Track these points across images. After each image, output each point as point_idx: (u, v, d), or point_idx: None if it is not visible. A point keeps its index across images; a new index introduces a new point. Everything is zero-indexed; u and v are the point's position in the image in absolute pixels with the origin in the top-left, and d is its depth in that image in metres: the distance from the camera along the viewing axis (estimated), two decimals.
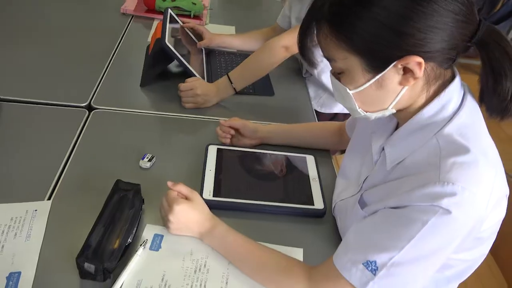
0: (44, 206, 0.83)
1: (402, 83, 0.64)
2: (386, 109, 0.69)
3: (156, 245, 0.80)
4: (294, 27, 1.21)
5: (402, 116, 0.71)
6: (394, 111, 0.69)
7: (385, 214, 0.67)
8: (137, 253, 0.76)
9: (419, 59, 0.60)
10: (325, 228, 0.89)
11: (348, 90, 0.67)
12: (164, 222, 0.81)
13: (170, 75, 1.34)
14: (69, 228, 0.80)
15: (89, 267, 0.70)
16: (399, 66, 0.61)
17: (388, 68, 0.62)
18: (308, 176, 0.97)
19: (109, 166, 0.96)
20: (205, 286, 0.74)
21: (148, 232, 0.81)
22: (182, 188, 0.82)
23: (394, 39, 0.59)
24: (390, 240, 0.63)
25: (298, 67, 1.49)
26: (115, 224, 0.77)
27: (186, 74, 1.24)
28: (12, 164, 0.92)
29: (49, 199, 0.85)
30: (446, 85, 0.66)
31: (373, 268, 0.63)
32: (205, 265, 0.77)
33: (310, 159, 1.02)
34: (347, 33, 0.62)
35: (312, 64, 0.74)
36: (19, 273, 0.71)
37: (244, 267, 0.77)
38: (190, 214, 0.79)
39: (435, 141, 0.64)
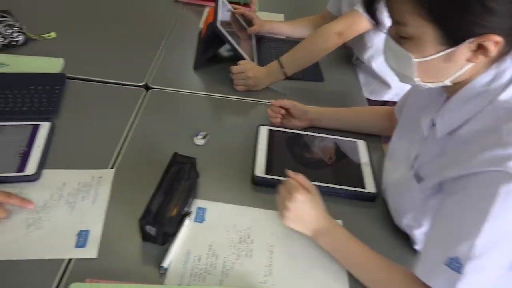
0: (108, 174, 0.89)
1: (470, 59, 0.63)
2: (443, 81, 0.68)
3: (200, 217, 0.83)
4: (347, 13, 1.21)
5: (452, 89, 0.70)
6: (449, 83, 0.68)
7: (449, 202, 0.65)
8: (184, 223, 0.80)
9: (498, 38, 0.58)
10: (375, 211, 0.90)
11: (413, 58, 0.66)
12: (281, 210, 0.78)
13: (221, 59, 1.38)
14: (130, 195, 0.86)
15: (151, 229, 0.75)
16: (475, 42, 0.60)
17: (463, 44, 0.61)
18: (360, 160, 0.98)
19: (165, 141, 1.01)
20: (251, 255, 0.77)
21: (192, 205, 0.85)
22: (302, 179, 0.80)
23: (480, 14, 0.57)
24: (463, 227, 0.59)
25: (348, 54, 1.49)
26: (173, 193, 0.81)
27: (236, 58, 1.27)
28: (80, 135, 0.99)
29: (112, 167, 0.92)
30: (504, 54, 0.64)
31: (456, 266, 0.58)
32: (249, 236, 0.81)
33: (361, 144, 1.03)
34: (430, 1, 0.59)
35: (379, 24, 0.70)
36: (88, 231, 0.77)
37: (360, 275, 0.73)
38: (309, 207, 0.77)
39: (492, 108, 0.63)
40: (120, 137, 1.00)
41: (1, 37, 1.23)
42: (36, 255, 0.72)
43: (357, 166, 0.97)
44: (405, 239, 0.84)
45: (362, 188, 0.91)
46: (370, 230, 0.86)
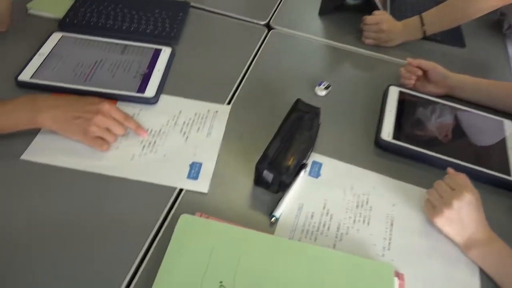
0: (224, 109, 0.85)
1: None
2: None
3: (315, 172, 0.77)
4: None
5: None
6: None
7: None
8: (299, 175, 0.74)
9: None
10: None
11: None
12: (439, 205, 0.68)
13: (348, 7, 1.25)
14: (244, 135, 0.81)
15: (268, 175, 0.69)
16: None
17: None
18: (505, 142, 0.84)
19: (284, 85, 0.94)
20: (368, 223, 0.69)
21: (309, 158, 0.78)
22: (466, 180, 0.69)
23: None
24: None
25: (497, 20, 1.28)
26: (292, 141, 0.74)
27: (365, 8, 1.13)
28: (198, 66, 0.95)
29: (228, 104, 0.87)
30: None
31: None
32: (367, 202, 0.73)
33: (509, 125, 0.87)
34: None
35: None
36: (201, 164, 0.74)
37: None
38: (474, 210, 0.66)
39: None
40: (239, 74, 0.95)
41: None
42: (149, 179, 0.71)
43: (502, 149, 0.82)
44: None
45: (506, 174, 0.77)
46: (510, 226, 0.73)
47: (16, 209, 0.64)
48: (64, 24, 0.98)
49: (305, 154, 0.75)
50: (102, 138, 0.73)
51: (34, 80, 0.82)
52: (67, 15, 1.00)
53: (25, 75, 0.82)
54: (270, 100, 0.90)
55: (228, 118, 0.83)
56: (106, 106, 0.74)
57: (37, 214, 0.64)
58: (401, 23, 1.09)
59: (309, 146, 0.77)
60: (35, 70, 0.84)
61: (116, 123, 0.75)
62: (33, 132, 0.73)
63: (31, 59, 0.86)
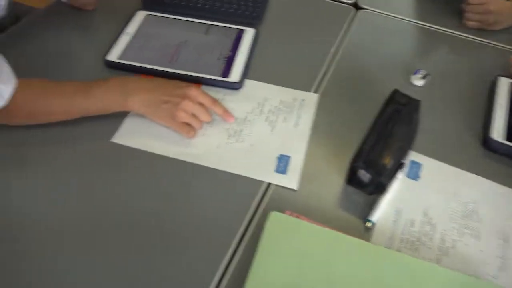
0: (312, 97, 0.79)
1: None
2: None
3: (413, 173, 0.69)
4: None
5: None
6: None
7: None
8: (397, 176, 0.67)
9: None
10: None
11: None
12: None
13: None
14: (333, 126, 0.75)
15: (364, 175, 0.63)
16: None
17: None
18: None
19: (375, 73, 0.86)
20: (479, 237, 0.62)
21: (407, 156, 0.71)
22: None
23: None
24: None
25: None
26: (389, 137, 0.68)
27: None
28: (281, 49, 0.90)
29: (315, 92, 0.81)
30: None
31: None
32: (476, 212, 0.64)
33: None
34: None
35: None
36: (289, 157, 0.69)
37: None
38: None
39: None
40: (325, 59, 0.88)
41: None
42: (236, 170, 0.67)
43: None
44: None
45: None
46: None
47: (104, 192, 0.64)
48: (147, 2, 0.96)
49: (403, 152, 0.68)
50: (188, 124, 0.71)
51: (121, 61, 0.81)
52: None
53: (113, 55, 0.81)
54: (361, 89, 0.83)
55: (316, 107, 0.78)
56: (193, 90, 0.71)
57: (124, 199, 0.63)
58: (510, 2, 0.96)
59: (407, 144, 0.70)
60: (122, 50, 0.83)
61: (202, 109, 0.72)
62: (119, 115, 0.72)
63: (117, 38, 0.85)
